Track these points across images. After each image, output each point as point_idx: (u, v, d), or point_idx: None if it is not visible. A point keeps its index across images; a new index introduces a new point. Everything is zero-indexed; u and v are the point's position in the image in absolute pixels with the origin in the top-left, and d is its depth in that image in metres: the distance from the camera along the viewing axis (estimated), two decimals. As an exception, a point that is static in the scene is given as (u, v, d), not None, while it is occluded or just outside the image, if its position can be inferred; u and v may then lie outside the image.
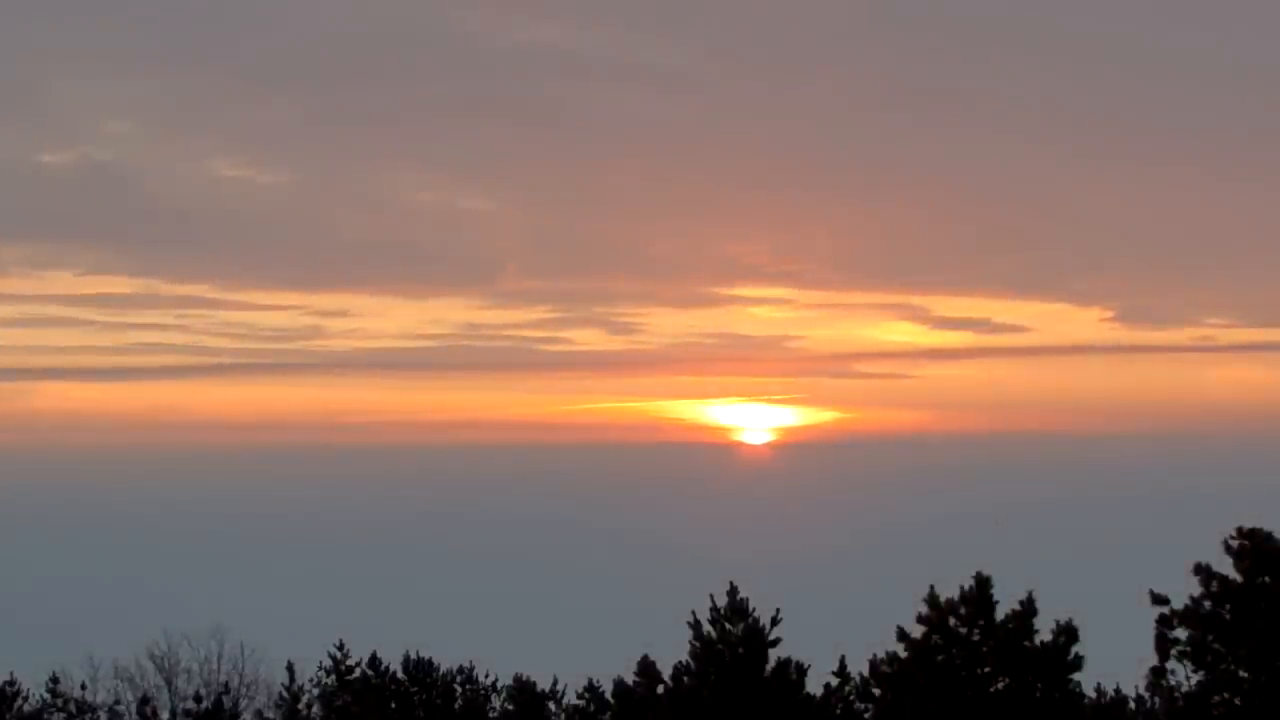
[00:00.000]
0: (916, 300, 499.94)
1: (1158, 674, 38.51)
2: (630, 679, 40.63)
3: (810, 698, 39.80)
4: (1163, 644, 38.20)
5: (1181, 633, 38.06)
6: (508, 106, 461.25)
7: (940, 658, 37.96)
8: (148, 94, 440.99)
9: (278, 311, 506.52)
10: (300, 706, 49.14)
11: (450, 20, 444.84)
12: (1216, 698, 37.52)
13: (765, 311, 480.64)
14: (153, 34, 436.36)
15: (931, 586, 38.33)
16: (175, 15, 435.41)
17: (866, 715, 40.99)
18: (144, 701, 48.64)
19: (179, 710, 49.64)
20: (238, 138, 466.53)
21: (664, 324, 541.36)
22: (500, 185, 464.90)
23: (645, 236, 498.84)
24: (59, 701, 49.23)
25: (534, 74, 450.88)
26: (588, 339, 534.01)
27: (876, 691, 39.64)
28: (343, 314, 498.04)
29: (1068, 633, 38.12)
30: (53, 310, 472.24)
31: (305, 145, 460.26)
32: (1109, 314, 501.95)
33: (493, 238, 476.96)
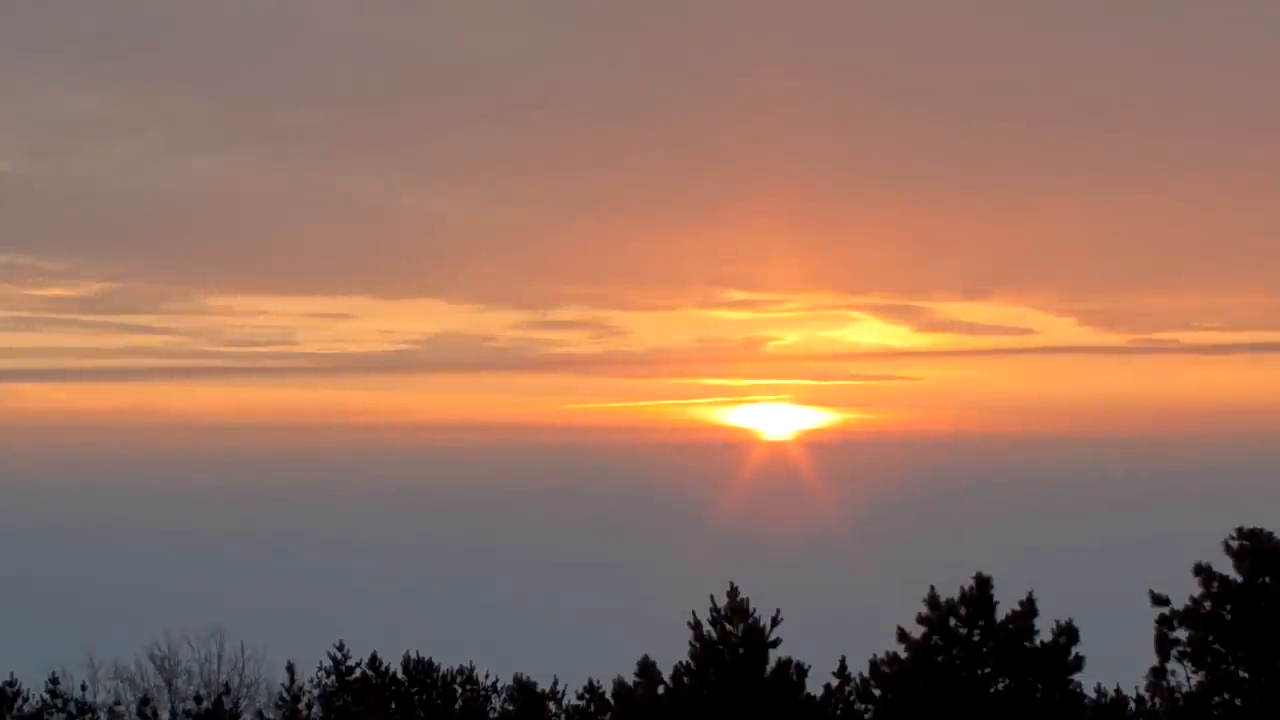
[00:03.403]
0: (904, 303, 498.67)
1: (1158, 674, 38.56)
2: (630, 679, 40.65)
3: (810, 698, 39.83)
4: (1163, 644, 38.25)
5: (1182, 633, 38.12)
6: (487, 110, 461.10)
7: (940, 658, 37.99)
8: (113, 98, 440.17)
9: (258, 315, 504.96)
10: (300, 707, 49.16)
11: (423, 27, 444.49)
12: (1217, 698, 37.56)
13: (751, 314, 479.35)
14: (108, 38, 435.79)
15: (932, 587, 38.37)
16: (132, 20, 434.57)
17: (867, 716, 41.03)
18: (144, 702, 48.67)
19: (179, 711, 49.67)
20: (211, 140, 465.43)
21: (649, 327, 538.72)
22: (478, 188, 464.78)
23: (627, 239, 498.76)
24: (59, 702, 49.24)
25: (513, 78, 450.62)
26: (571, 341, 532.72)
27: (877, 692, 39.68)
28: (333, 316, 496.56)
29: (1068, 633, 38.15)
30: (26, 313, 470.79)
31: (281, 148, 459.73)
32: (1102, 315, 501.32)
33: (471, 240, 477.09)
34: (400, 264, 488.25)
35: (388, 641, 51.50)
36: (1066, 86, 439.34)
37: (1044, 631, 38.23)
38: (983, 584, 38.25)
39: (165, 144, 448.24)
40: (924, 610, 38.32)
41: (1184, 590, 38.23)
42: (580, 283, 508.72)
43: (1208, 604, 37.94)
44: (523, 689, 48.13)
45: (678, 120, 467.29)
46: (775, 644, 38.57)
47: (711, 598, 38.71)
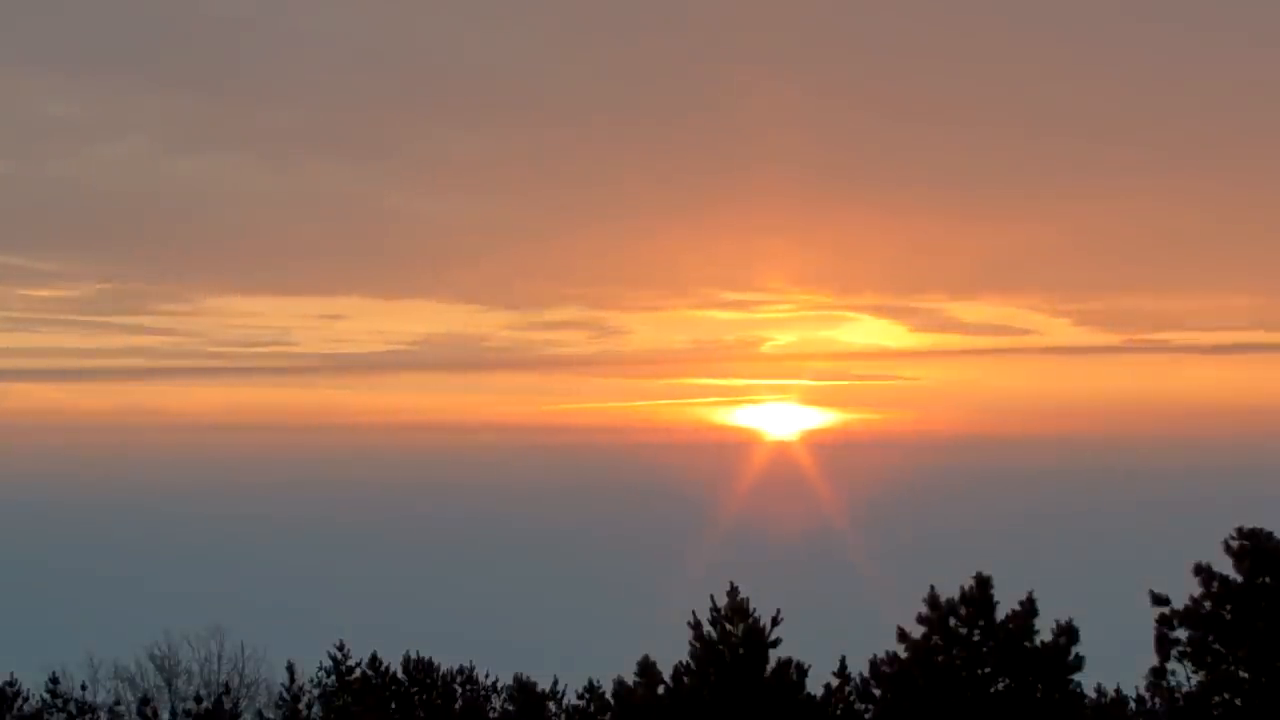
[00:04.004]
0: (901, 303, 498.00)
1: (1158, 674, 38.60)
2: (630, 679, 40.66)
3: (810, 698, 39.84)
4: (1163, 644, 38.29)
5: (1182, 633, 38.15)
6: (482, 111, 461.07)
7: (940, 658, 38.01)
8: (105, 100, 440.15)
9: (253, 315, 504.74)
10: (300, 707, 49.15)
11: (417, 27, 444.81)
12: (1216, 698, 37.59)
13: (747, 315, 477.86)
14: (101, 41, 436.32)
15: (932, 587, 38.40)
16: (123, 23, 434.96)
17: (867, 715, 41.03)
18: (144, 702, 48.65)
19: (179, 710, 49.66)
20: (205, 141, 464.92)
21: (644, 327, 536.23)
22: (472, 189, 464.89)
23: (622, 240, 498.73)
24: (59, 701, 49.23)
25: (506, 79, 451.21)
26: (566, 341, 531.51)
27: (877, 692, 39.70)
28: (327, 316, 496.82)
29: (1068, 633, 38.18)
30: (22, 314, 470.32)
31: (276, 148, 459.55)
32: (1100, 315, 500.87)
33: (466, 241, 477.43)
34: (395, 264, 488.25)
35: (388, 641, 51.45)
36: (1065, 88, 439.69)
37: (1044, 631, 38.27)
38: (983, 584, 38.28)
39: (159, 145, 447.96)
40: (924, 610, 38.35)
41: (1184, 590, 38.27)
42: (575, 283, 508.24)
43: (1208, 604, 37.97)
44: (523, 689, 48.12)
45: (672, 121, 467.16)
46: (775, 644, 38.58)
47: (711, 598, 38.74)
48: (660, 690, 38.90)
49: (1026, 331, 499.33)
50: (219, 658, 51.32)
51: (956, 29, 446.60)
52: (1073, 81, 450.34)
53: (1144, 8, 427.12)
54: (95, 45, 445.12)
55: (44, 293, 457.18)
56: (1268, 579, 37.66)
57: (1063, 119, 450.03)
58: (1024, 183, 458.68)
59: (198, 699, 48.90)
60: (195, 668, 51.10)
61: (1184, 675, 38.19)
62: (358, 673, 49.58)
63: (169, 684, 50.71)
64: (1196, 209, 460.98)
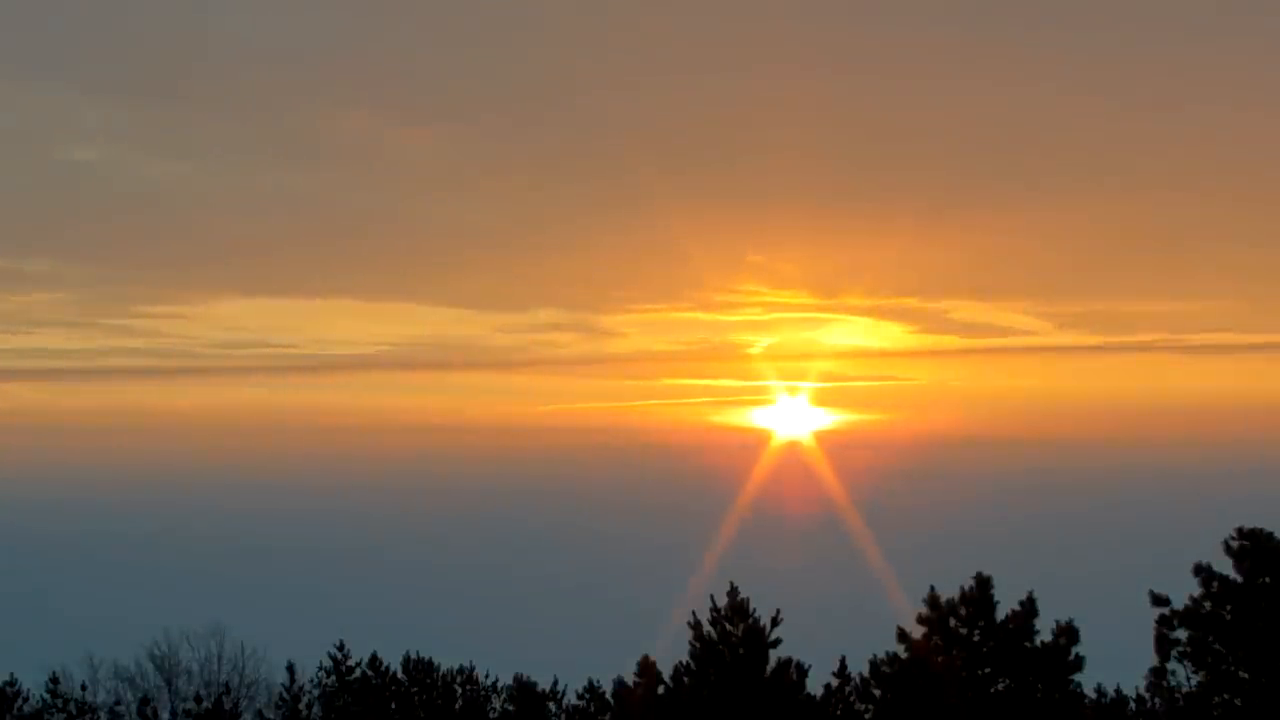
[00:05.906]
0: (896, 304, 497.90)
1: (1158, 674, 38.62)
2: (630, 679, 40.66)
3: (810, 698, 39.83)
4: (1163, 644, 38.32)
5: (1182, 633, 38.17)
6: (473, 113, 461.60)
7: (940, 658, 38.01)
8: (93, 104, 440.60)
9: (247, 317, 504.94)
10: (300, 707, 49.15)
11: (406, 29, 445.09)
12: (1217, 698, 37.61)
13: (741, 316, 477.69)
14: (93, 45, 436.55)
15: (932, 587, 38.41)
16: (115, 28, 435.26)
17: (867, 715, 41.03)
18: (144, 702, 48.66)
19: (179, 710, 49.64)
20: (196, 145, 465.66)
21: (636, 329, 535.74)
22: (463, 192, 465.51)
23: (614, 243, 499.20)
24: (59, 702, 49.24)
25: (497, 81, 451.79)
26: (558, 342, 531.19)
27: (877, 692, 39.69)
28: (318, 318, 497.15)
29: (1068, 633, 38.19)
30: (14, 315, 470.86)
31: (266, 152, 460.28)
32: (1099, 318, 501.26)
33: (456, 243, 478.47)
34: (384, 267, 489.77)
35: (388, 641, 51.46)
36: (1058, 98, 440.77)
37: (1044, 632, 38.28)
38: (983, 584, 38.29)
39: (148, 148, 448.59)
40: (924, 610, 38.36)
41: (1184, 590, 38.29)
42: (567, 285, 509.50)
43: (1208, 604, 37.99)
44: (523, 689, 48.13)
45: (667, 126, 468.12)
46: (775, 644, 38.57)
47: (711, 598, 38.72)
48: (660, 690, 38.90)
49: (1030, 333, 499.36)
50: (219, 658, 51.27)
51: (949, 41, 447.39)
52: (1063, 92, 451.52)
53: (1125, 19, 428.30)
54: (85, 54, 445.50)
55: (33, 295, 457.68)
56: (1268, 579, 37.68)
57: (1055, 129, 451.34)
58: (1010, 190, 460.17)
59: (198, 699, 48.90)
60: (195, 668, 51.05)
61: (1184, 675, 38.21)
62: (358, 673, 49.58)
63: (169, 684, 50.66)
64: (1177, 215, 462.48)
